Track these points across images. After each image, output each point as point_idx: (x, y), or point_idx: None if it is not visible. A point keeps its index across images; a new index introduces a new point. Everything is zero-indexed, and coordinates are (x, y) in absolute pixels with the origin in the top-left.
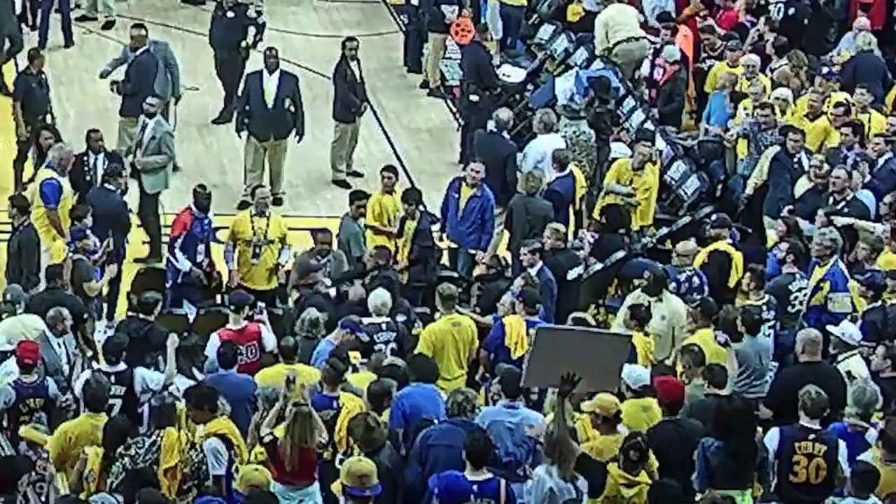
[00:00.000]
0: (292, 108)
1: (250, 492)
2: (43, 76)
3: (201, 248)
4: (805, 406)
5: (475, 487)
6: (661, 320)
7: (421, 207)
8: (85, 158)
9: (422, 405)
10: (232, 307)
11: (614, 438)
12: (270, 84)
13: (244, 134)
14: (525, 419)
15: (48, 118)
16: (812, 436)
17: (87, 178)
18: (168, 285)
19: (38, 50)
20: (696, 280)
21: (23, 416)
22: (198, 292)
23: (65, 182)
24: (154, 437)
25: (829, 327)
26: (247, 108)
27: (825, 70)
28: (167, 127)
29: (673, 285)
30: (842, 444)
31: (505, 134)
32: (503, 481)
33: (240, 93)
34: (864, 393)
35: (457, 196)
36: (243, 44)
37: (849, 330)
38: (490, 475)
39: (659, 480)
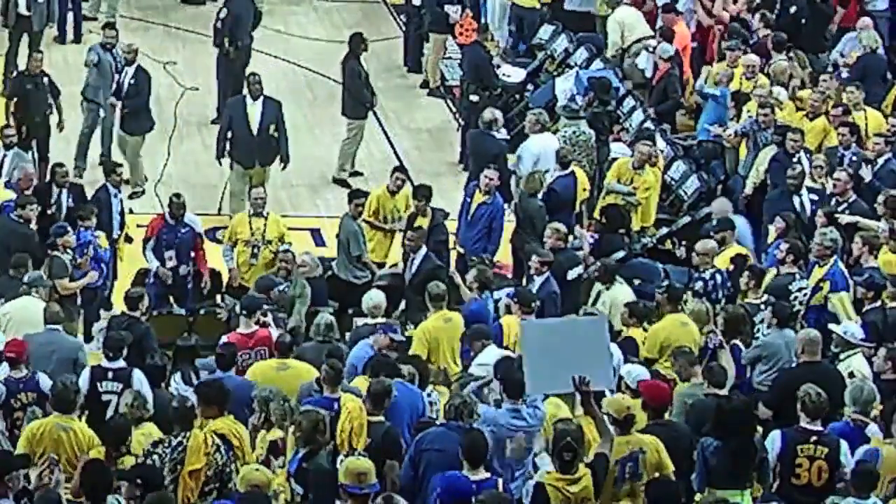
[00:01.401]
0: (276, 135)
1: (247, 491)
2: (41, 78)
3: (171, 253)
4: (805, 407)
5: (474, 487)
6: (601, 306)
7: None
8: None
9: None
10: (244, 311)
11: (625, 440)
12: (254, 110)
13: (225, 161)
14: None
15: (50, 118)
16: (814, 438)
17: (50, 211)
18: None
19: (38, 51)
20: (718, 277)
21: (16, 412)
22: (188, 293)
23: None
24: (180, 438)
25: (832, 325)
26: (230, 134)
27: (844, 75)
28: (27, 157)
29: (700, 284)
30: (844, 444)
31: (495, 133)
32: (500, 480)
33: (222, 119)
34: (861, 391)
35: (469, 201)
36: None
37: (851, 328)
38: (488, 475)
39: (657, 478)
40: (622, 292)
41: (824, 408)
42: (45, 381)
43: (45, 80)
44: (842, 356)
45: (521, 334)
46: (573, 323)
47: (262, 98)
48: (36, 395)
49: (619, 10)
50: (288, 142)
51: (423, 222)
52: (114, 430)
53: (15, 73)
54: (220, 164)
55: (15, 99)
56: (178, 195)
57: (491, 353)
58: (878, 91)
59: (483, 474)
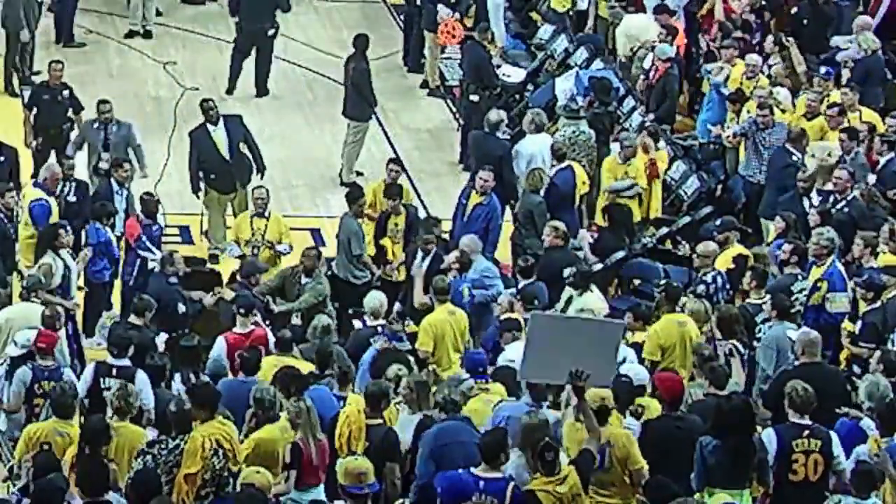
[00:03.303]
0: (247, 151)
1: (243, 491)
2: (60, 90)
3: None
4: (794, 403)
5: (481, 484)
6: (578, 313)
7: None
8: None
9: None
10: (241, 311)
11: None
12: (219, 135)
13: (201, 193)
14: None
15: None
16: (806, 432)
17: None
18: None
19: (59, 61)
20: (719, 280)
21: (37, 398)
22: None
23: (53, 203)
24: (178, 441)
25: (789, 332)
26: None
27: (822, 70)
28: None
29: (701, 288)
30: (834, 436)
31: (499, 134)
32: (512, 483)
33: (189, 154)
34: (877, 387)
35: (465, 202)
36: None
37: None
38: (501, 474)
39: (655, 477)
40: (592, 300)
41: (812, 402)
42: (69, 374)
43: (66, 92)
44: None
45: (529, 324)
46: (589, 323)
47: (221, 121)
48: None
49: (627, 19)
50: (259, 150)
51: (397, 220)
52: (91, 431)
53: (36, 84)
54: (199, 197)
55: (33, 109)
56: (150, 193)
57: (519, 348)
58: (878, 92)
59: (495, 473)
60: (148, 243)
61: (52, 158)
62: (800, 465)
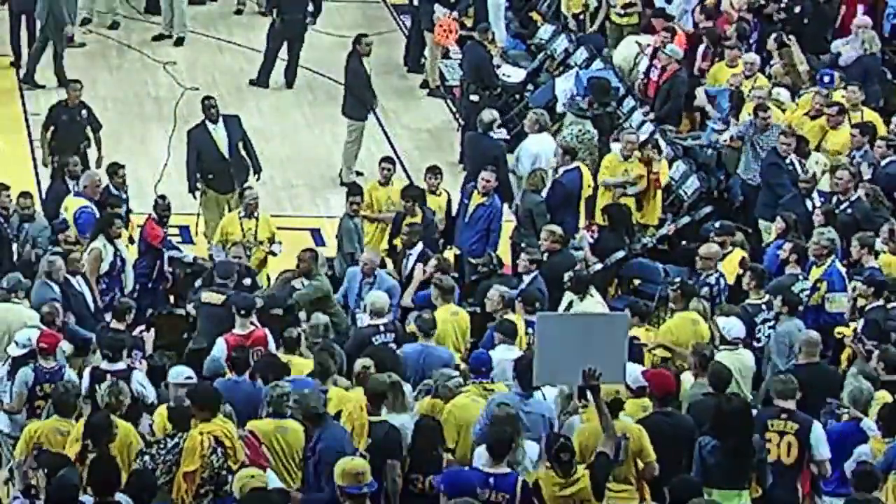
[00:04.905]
0: (244, 151)
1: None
2: (78, 110)
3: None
4: (777, 390)
5: (491, 480)
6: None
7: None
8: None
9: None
10: (241, 312)
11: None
12: (220, 135)
13: (198, 193)
14: (537, 408)
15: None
16: (784, 415)
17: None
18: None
19: (77, 81)
20: (722, 281)
21: (38, 400)
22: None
23: (96, 211)
24: (176, 440)
25: (718, 320)
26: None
27: (826, 79)
28: None
29: (705, 290)
30: (817, 426)
31: (492, 133)
32: (521, 478)
33: (188, 152)
34: (860, 391)
35: (467, 202)
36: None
37: (730, 325)
38: (508, 469)
39: (680, 477)
40: (593, 304)
41: (794, 388)
42: (69, 376)
43: (84, 112)
44: (720, 348)
45: (536, 326)
46: (594, 318)
47: (221, 120)
48: None
49: (621, 47)
50: (255, 151)
51: (411, 222)
52: (93, 427)
53: (54, 104)
54: (195, 197)
55: (51, 129)
56: (163, 197)
57: (498, 352)
58: (876, 90)
59: (503, 469)
60: (173, 242)
61: (92, 167)
62: (773, 444)
